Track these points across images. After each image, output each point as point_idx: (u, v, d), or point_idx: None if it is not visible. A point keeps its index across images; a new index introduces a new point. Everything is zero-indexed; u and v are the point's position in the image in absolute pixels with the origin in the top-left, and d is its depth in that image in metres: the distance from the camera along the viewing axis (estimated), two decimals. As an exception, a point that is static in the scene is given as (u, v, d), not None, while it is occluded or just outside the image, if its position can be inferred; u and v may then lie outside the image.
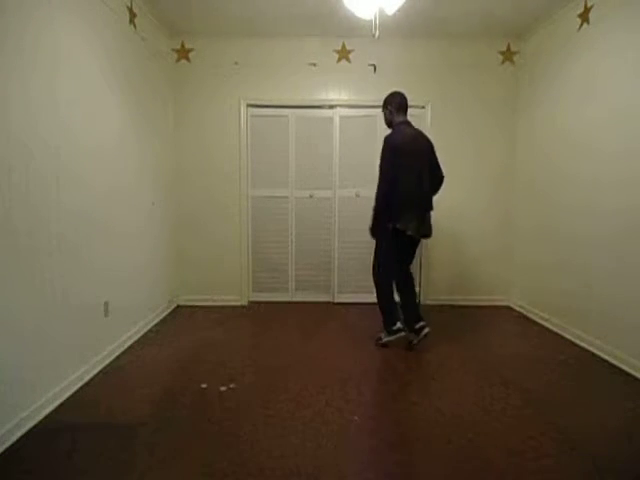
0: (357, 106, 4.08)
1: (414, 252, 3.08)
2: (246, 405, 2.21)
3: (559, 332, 3.35)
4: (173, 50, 3.97)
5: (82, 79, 2.48)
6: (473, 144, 4.12)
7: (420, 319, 2.97)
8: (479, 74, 4.06)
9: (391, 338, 2.98)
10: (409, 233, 2.84)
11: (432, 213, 3.01)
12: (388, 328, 2.99)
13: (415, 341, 2.95)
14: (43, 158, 2.10)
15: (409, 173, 2.81)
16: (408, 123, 2.95)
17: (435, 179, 2.99)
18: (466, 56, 4.02)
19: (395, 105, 2.95)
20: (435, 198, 3.04)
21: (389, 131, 2.97)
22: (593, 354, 2.91)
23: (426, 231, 2.96)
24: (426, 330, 2.94)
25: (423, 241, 4.08)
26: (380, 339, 3.05)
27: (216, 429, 1.98)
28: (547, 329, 3.48)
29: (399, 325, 2.98)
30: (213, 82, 4.03)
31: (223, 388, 2.38)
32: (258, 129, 4.12)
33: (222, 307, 4.06)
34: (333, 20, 3.54)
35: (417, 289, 3.99)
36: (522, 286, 4.02)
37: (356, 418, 2.09)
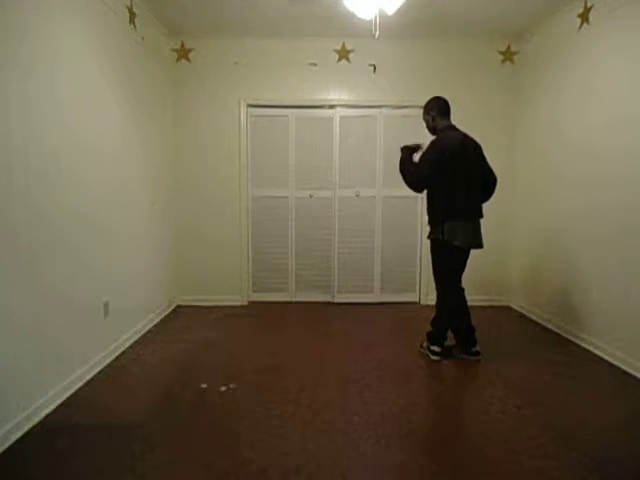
0: (357, 106, 4.08)
1: (464, 266, 2.87)
2: (246, 405, 2.21)
3: (559, 332, 3.35)
4: (173, 50, 3.97)
5: (82, 79, 2.48)
6: (473, 144, 4.11)
7: (475, 343, 2.82)
8: (479, 74, 4.06)
9: (428, 351, 2.87)
10: (456, 244, 2.65)
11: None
12: (430, 343, 2.87)
13: (462, 355, 2.83)
14: (43, 158, 2.10)
15: (457, 182, 2.64)
16: (453, 127, 2.79)
17: (487, 184, 2.81)
18: (466, 56, 4.02)
19: (437, 110, 2.79)
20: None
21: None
22: (593, 354, 2.91)
23: (478, 241, 2.76)
24: (479, 357, 2.80)
25: (423, 242, 4.11)
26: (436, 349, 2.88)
27: (216, 429, 1.98)
28: (547, 329, 3.48)
29: (437, 349, 2.83)
30: (213, 82, 4.03)
31: (223, 388, 2.38)
32: (258, 129, 4.12)
33: (222, 307, 4.06)
34: (333, 20, 3.54)
35: (413, 290, 3.98)
36: (522, 286, 4.02)
37: (356, 418, 2.09)
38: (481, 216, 2.79)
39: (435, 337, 2.85)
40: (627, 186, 2.69)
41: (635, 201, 2.62)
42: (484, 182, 2.80)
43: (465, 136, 2.78)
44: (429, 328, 2.91)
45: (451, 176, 2.64)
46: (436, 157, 2.63)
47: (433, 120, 2.83)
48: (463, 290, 2.89)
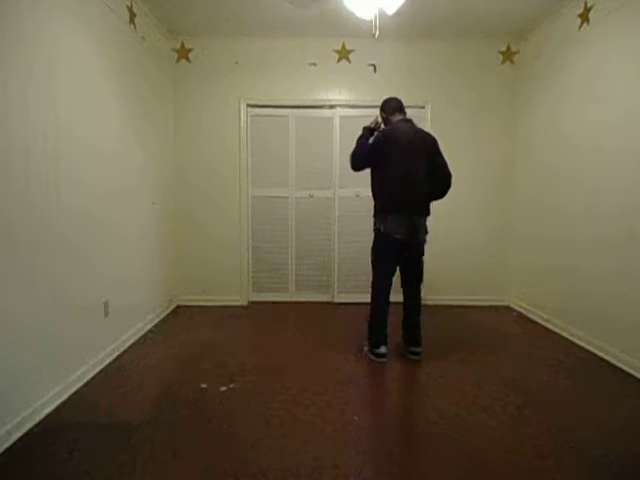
0: (357, 106, 4.08)
1: (416, 263, 2.85)
2: (246, 405, 2.21)
3: (559, 332, 3.35)
4: (173, 50, 3.97)
5: (82, 79, 2.48)
6: (473, 144, 4.12)
7: (417, 344, 2.83)
8: (479, 74, 4.06)
9: (372, 358, 2.81)
10: (399, 237, 2.67)
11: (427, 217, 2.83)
12: (371, 348, 2.82)
13: (403, 347, 2.88)
14: (43, 158, 2.10)
15: (397, 172, 2.66)
16: (407, 120, 2.81)
17: (438, 180, 2.78)
18: (466, 56, 4.03)
19: (389, 109, 2.86)
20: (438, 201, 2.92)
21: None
22: (593, 354, 2.91)
23: (420, 235, 2.76)
24: (416, 357, 2.81)
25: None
26: (362, 350, 2.90)
27: (216, 429, 1.98)
28: (547, 329, 3.48)
29: (383, 350, 2.77)
30: (213, 82, 4.03)
31: (223, 388, 2.38)
32: (258, 129, 4.12)
33: (222, 307, 4.06)
34: (333, 20, 3.54)
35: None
36: (522, 286, 4.02)
37: (356, 418, 2.09)
38: (425, 211, 2.80)
39: (372, 338, 2.84)
40: (627, 188, 2.68)
41: (634, 202, 2.62)
42: (439, 178, 2.79)
43: (417, 131, 2.79)
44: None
45: (390, 166, 2.67)
46: (376, 145, 2.74)
47: (386, 118, 2.91)
48: (419, 297, 2.94)
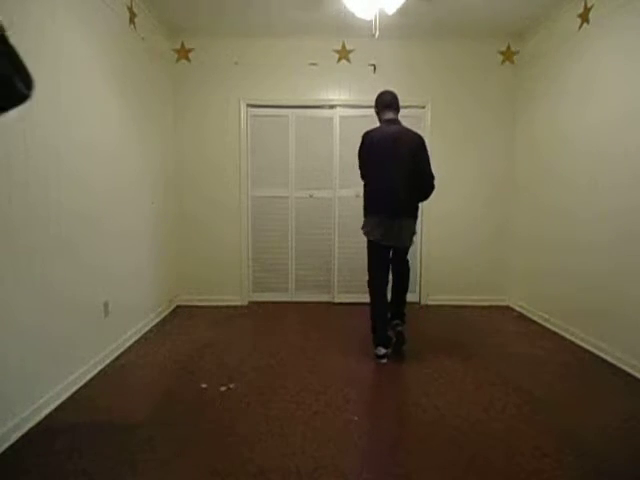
0: (357, 106, 4.08)
1: (402, 261, 2.90)
2: (246, 405, 2.21)
3: (559, 332, 3.35)
4: (173, 50, 3.97)
5: (82, 79, 2.48)
6: (473, 144, 4.12)
7: (396, 317, 2.89)
8: (479, 74, 4.06)
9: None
10: (371, 239, 2.69)
11: (415, 219, 2.82)
12: (374, 346, 2.81)
13: (393, 332, 2.89)
14: (43, 158, 2.10)
15: (378, 174, 2.67)
16: (392, 121, 2.77)
17: (421, 183, 2.76)
18: (466, 56, 4.02)
19: (381, 104, 2.84)
20: (428, 201, 2.91)
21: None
22: (593, 354, 2.91)
23: (397, 240, 2.71)
24: (399, 328, 2.83)
25: (424, 242, 4.11)
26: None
27: (216, 429, 1.98)
28: (547, 329, 3.48)
29: (381, 352, 2.75)
30: (213, 82, 4.03)
31: (223, 388, 2.38)
32: (258, 129, 4.12)
33: (222, 307, 4.06)
34: (333, 20, 3.53)
35: (414, 290, 3.98)
36: (522, 286, 4.02)
37: (356, 418, 2.09)
38: (408, 213, 2.74)
39: (374, 337, 2.84)
40: (626, 188, 2.68)
41: (634, 203, 2.62)
42: (420, 179, 2.76)
43: (401, 131, 2.75)
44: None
45: (372, 168, 2.69)
46: (361, 149, 2.82)
47: (377, 114, 2.90)
48: (406, 269, 2.98)
